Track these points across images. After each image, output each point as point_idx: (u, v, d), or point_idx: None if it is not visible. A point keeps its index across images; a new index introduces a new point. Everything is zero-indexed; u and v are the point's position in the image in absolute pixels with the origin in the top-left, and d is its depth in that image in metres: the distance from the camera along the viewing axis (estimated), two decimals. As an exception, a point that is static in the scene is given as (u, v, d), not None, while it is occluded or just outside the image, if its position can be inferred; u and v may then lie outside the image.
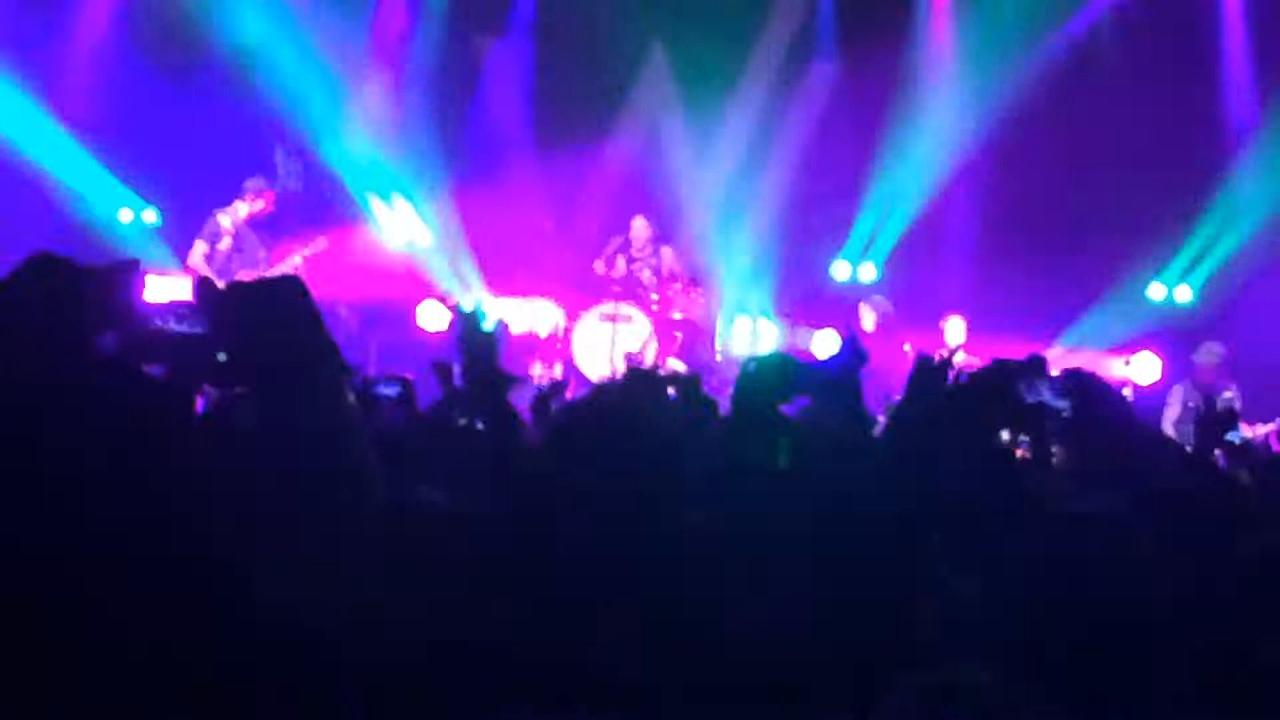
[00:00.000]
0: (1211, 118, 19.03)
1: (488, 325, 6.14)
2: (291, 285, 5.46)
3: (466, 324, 6.07)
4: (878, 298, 17.75)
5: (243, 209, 16.52)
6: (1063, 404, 6.32)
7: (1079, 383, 6.42)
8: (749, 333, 18.96)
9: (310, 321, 5.35)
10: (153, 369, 5.34)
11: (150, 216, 18.81)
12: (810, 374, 6.31)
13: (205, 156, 17.93)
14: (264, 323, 5.31)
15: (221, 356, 5.38)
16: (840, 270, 19.75)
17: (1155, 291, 19.02)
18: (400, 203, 19.02)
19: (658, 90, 19.89)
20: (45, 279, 5.25)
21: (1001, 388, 5.81)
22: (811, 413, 6.23)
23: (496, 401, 5.94)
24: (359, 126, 19.07)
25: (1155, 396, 16.65)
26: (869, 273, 19.69)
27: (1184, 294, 18.99)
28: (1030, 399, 6.21)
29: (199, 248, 16.39)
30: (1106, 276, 18.61)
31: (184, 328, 5.62)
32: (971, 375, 5.82)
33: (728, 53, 19.45)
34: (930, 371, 6.41)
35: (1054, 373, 6.44)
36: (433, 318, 18.30)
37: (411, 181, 19.09)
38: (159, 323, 5.67)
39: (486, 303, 18.13)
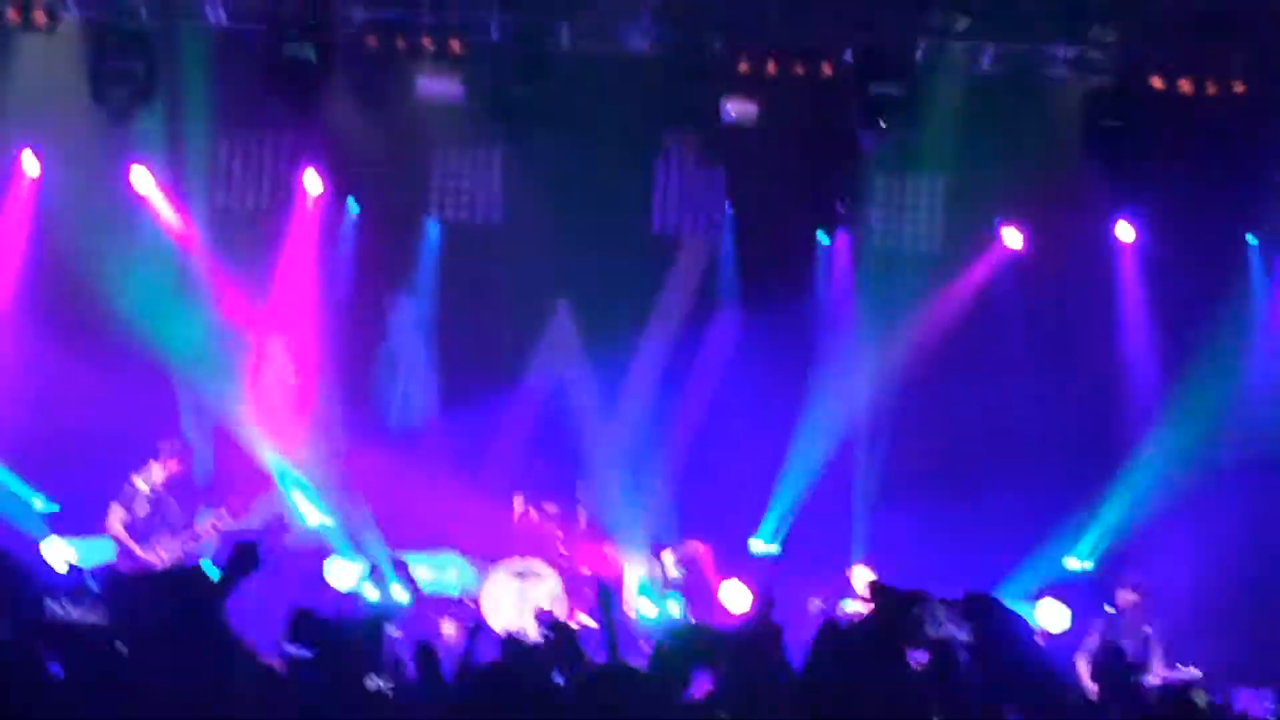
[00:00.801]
0: (1113, 363, 19.39)
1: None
2: (198, 580, 5.46)
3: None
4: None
5: (158, 471, 16.47)
6: (964, 632, 6.35)
7: (980, 606, 6.46)
8: (658, 585, 18.85)
9: (218, 623, 5.34)
10: (49, 658, 5.30)
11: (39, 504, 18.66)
12: (723, 642, 6.37)
13: (109, 421, 17.92)
14: (169, 617, 5.30)
15: (121, 648, 5.36)
16: (750, 531, 19.76)
17: (1061, 552, 19.21)
18: (307, 468, 18.95)
19: (563, 343, 19.97)
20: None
21: (905, 621, 5.83)
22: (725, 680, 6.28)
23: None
24: (264, 388, 19.08)
25: (1065, 647, 16.72)
26: (776, 531, 19.72)
27: (1085, 560, 19.21)
28: (933, 631, 6.25)
29: (116, 512, 16.32)
30: (1010, 530, 18.72)
31: (80, 614, 5.59)
32: (874, 611, 5.83)
33: (632, 306, 19.60)
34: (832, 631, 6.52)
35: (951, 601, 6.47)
36: (340, 576, 18.21)
37: (318, 442, 19.04)
38: (55, 606, 5.64)
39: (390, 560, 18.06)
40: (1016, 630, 6.51)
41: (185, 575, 5.53)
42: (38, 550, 16.92)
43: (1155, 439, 19.12)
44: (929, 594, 6.65)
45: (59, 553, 16.93)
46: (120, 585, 5.48)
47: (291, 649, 8.13)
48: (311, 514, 18.87)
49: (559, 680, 7.54)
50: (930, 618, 6.14)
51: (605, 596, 7.84)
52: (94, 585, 5.84)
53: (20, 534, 17.09)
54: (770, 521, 19.68)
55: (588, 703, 5.62)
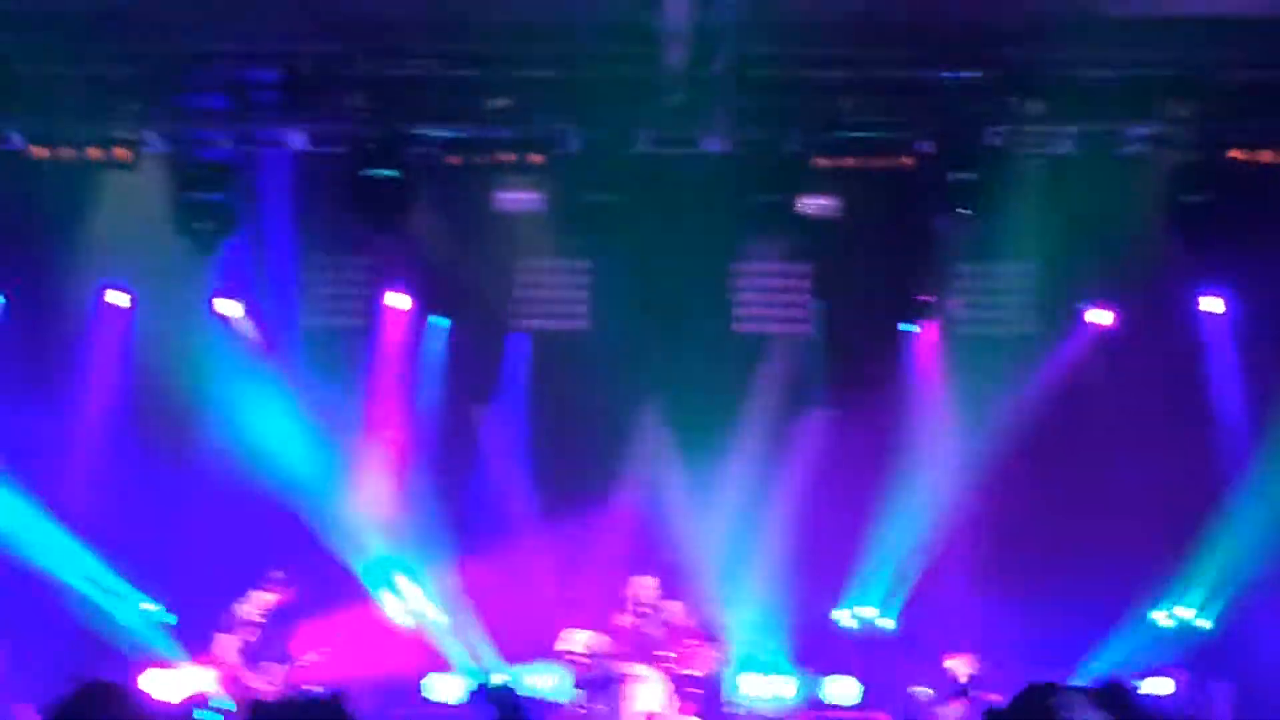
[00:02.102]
0: (1206, 438, 19.28)
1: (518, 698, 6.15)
2: (335, 707, 5.48)
3: (500, 702, 6.06)
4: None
5: (260, 599, 16.61)
6: (1101, 717, 6.30)
7: (1117, 693, 6.41)
8: (763, 685, 18.80)
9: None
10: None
11: (161, 612, 18.82)
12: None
13: (212, 544, 18.09)
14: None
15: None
16: (849, 615, 19.70)
17: (1165, 617, 19.03)
18: (405, 579, 19.07)
19: (653, 448, 20.02)
20: (100, 710, 5.26)
21: (1041, 710, 5.79)
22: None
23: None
24: (362, 502, 19.22)
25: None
26: (877, 615, 19.65)
27: (1193, 616, 19.02)
28: (1069, 717, 6.20)
29: (224, 640, 16.43)
30: (1115, 606, 18.62)
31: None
32: (1011, 703, 5.80)
33: (721, 405, 19.65)
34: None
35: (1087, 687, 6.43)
36: (441, 690, 18.24)
37: (415, 554, 19.17)
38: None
39: (507, 674, 18.11)
40: (1153, 715, 6.47)
41: (329, 703, 5.53)
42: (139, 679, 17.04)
43: (1253, 508, 18.97)
44: (1061, 684, 6.61)
45: (160, 684, 17.03)
46: (264, 714, 5.49)
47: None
48: (423, 605, 18.95)
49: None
50: (1065, 706, 6.10)
51: None
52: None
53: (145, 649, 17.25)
54: (873, 605, 19.64)
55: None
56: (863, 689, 18.58)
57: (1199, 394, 19.46)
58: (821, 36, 16.13)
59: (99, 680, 5.38)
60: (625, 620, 18.54)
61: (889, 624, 19.63)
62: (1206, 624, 19.03)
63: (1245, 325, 19.31)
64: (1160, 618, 19.09)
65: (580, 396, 19.69)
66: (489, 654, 18.79)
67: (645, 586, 18.67)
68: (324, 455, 19.10)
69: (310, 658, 16.48)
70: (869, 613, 19.74)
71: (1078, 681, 6.58)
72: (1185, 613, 19.12)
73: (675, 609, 18.65)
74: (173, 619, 18.75)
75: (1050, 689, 5.79)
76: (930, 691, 17.08)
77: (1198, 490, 19.11)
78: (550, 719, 17.86)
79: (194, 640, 16.99)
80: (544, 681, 18.52)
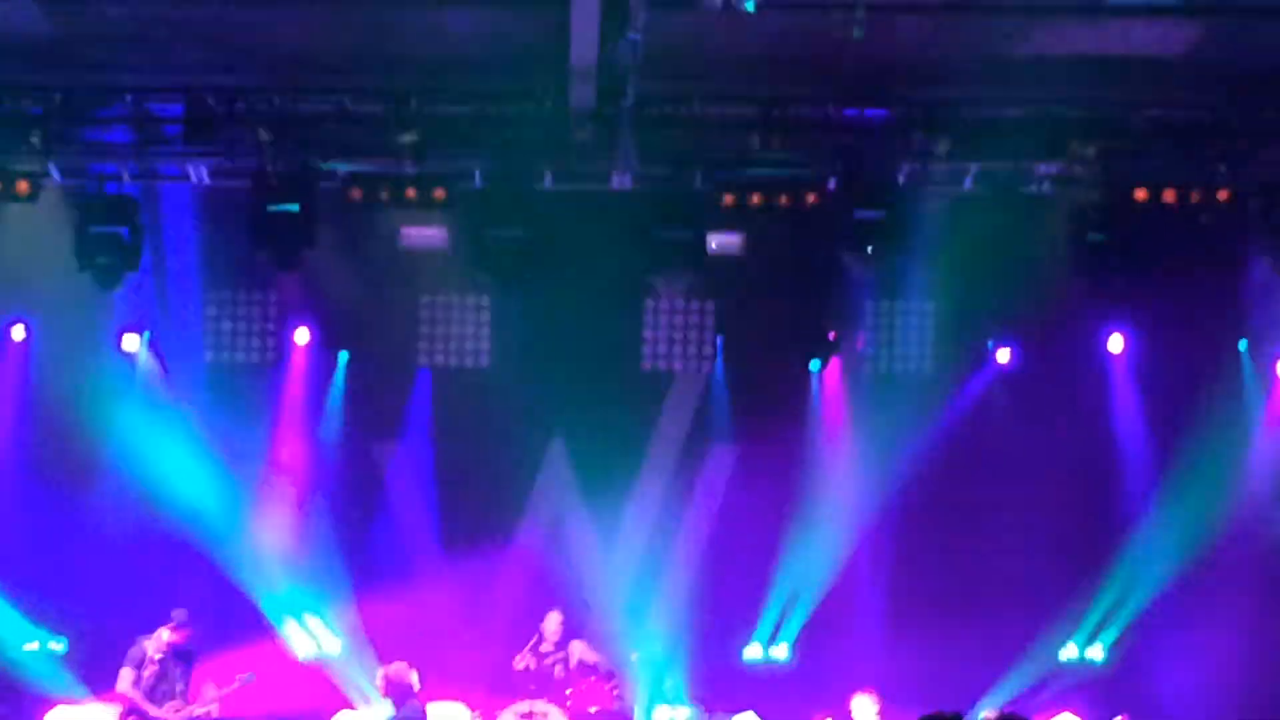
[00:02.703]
0: (1109, 474, 19.47)
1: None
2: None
3: None
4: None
5: (166, 636, 16.52)
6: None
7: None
8: (666, 720, 18.79)
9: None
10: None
11: (56, 646, 18.61)
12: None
13: (114, 580, 17.94)
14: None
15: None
16: (753, 652, 19.73)
17: (1067, 652, 19.17)
18: (307, 614, 18.96)
19: (557, 484, 19.98)
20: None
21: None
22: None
23: None
24: (263, 538, 19.09)
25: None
26: (781, 653, 19.69)
27: (1096, 653, 19.17)
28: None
29: (127, 675, 16.39)
30: (1018, 641, 18.73)
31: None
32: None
33: (626, 441, 19.64)
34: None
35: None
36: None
37: (318, 590, 19.05)
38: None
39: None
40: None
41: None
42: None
43: (1153, 539, 19.17)
44: (962, 715, 6.63)
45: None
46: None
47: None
48: (325, 639, 18.86)
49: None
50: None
51: None
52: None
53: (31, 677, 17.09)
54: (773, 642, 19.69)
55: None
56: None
57: (1101, 430, 19.65)
58: (729, 74, 16.19)
59: None
60: (528, 657, 18.50)
61: (790, 660, 19.65)
62: (1100, 658, 19.20)
63: (1147, 362, 19.49)
64: (1062, 654, 19.23)
65: (484, 433, 19.64)
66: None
67: (549, 624, 18.65)
68: (227, 490, 18.97)
69: (211, 694, 16.35)
70: (772, 650, 19.75)
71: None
72: (1086, 649, 19.27)
73: (576, 646, 18.62)
74: (63, 648, 18.53)
75: (954, 718, 5.81)
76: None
77: (1100, 525, 19.34)
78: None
79: (95, 676, 16.80)
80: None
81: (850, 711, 17.11)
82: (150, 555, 18.49)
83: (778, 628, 19.76)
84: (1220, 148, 16.63)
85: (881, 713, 16.73)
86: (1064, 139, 16.71)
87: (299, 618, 18.98)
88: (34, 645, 18.64)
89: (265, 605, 18.83)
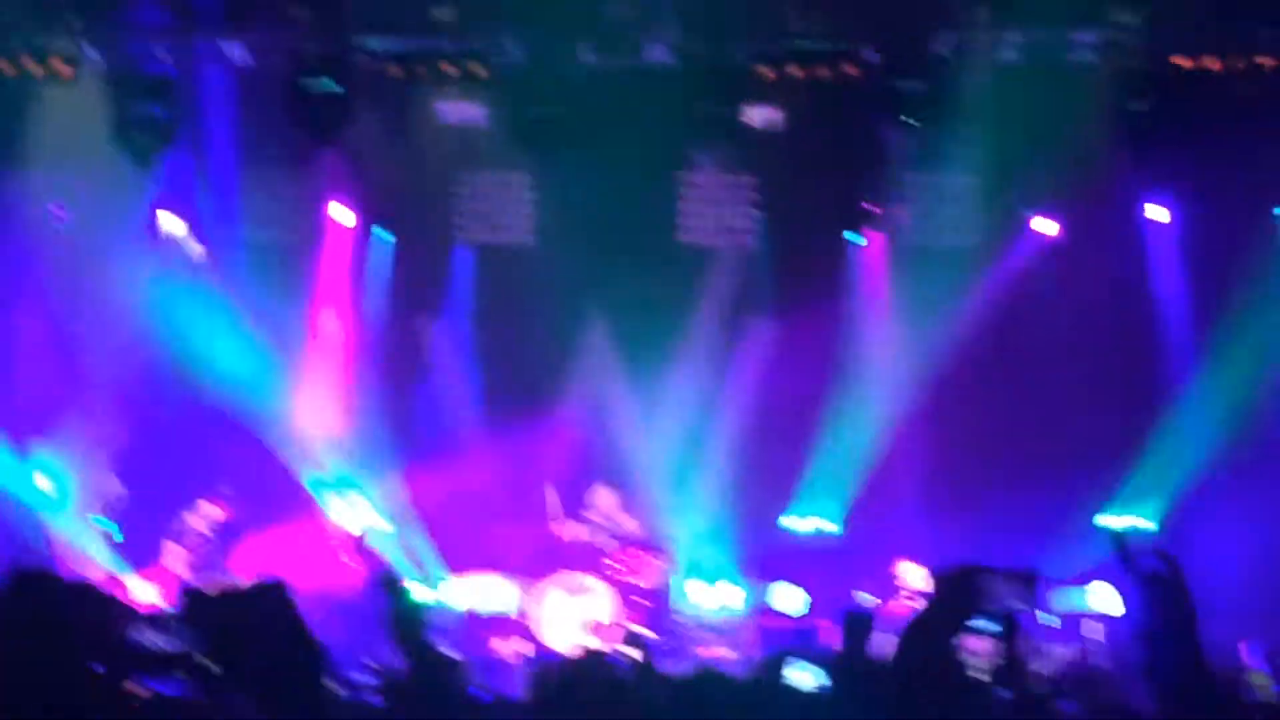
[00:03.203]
0: (1151, 346, 19.39)
1: (414, 598, 6.14)
2: (277, 594, 5.45)
3: (392, 598, 6.04)
4: None
5: (209, 511, 16.62)
6: (1024, 603, 6.38)
7: (1034, 578, 6.45)
8: (710, 594, 18.86)
9: (298, 630, 5.33)
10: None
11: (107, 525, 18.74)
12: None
13: (158, 458, 18.06)
14: (253, 633, 5.29)
15: (214, 668, 5.36)
16: (795, 523, 19.79)
17: (1110, 521, 19.13)
18: (352, 490, 19.05)
19: (599, 360, 20.00)
20: (32, 598, 5.23)
21: (963, 592, 5.84)
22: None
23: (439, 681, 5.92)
24: (304, 415, 19.18)
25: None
26: (824, 524, 19.74)
27: (1142, 523, 19.15)
28: (993, 604, 6.29)
29: (172, 549, 16.45)
30: (1061, 510, 18.70)
31: (166, 643, 5.61)
32: (936, 584, 5.84)
33: (666, 317, 19.64)
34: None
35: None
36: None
37: (361, 466, 19.14)
38: (140, 638, 5.66)
39: (445, 582, 18.13)
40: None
41: (270, 589, 5.48)
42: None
43: (1196, 414, 19.11)
44: (985, 568, 6.67)
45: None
46: (207, 606, 5.44)
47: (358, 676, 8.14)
48: (370, 516, 19.00)
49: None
50: (987, 588, 6.16)
51: None
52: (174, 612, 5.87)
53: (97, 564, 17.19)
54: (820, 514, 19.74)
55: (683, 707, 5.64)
56: (809, 597, 18.67)
57: (1144, 302, 19.53)
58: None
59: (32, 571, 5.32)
60: (574, 530, 18.60)
61: (835, 532, 19.71)
62: (1151, 527, 19.16)
63: (1189, 232, 19.35)
64: (1107, 523, 19.19)
65: (524, 309, 19.65)
66: (434, 565, 18.76)
67: (603, 497, 18.74)
68: (268, 368, 19.02)
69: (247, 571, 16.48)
70: (816, 522, 19.80)
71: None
72: (1131, 519, 19.23)
73: (622, 520, 18.71)
74: (118, 534, 18.65)
75: (974, 572, 5.83)
76: (874, 599, 17.16)
77: (1143, 397, 19.25)
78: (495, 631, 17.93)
79: (140, 553, 16.93)
80: (487, 594, 18.54)
81: (897, 576, 17.18)
82: (192, 433, 18.59)
83: (820, 500, 19.79)
84: (1263, 14, 16.46)
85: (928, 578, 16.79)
86: (1104, 6, 16.59)
87: (342, 494, 19.07)
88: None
89: (308, 481, 18.92)
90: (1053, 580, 17.11)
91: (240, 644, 5.23)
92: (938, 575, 5.73)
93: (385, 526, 19.06)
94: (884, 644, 7.11)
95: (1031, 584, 6.36)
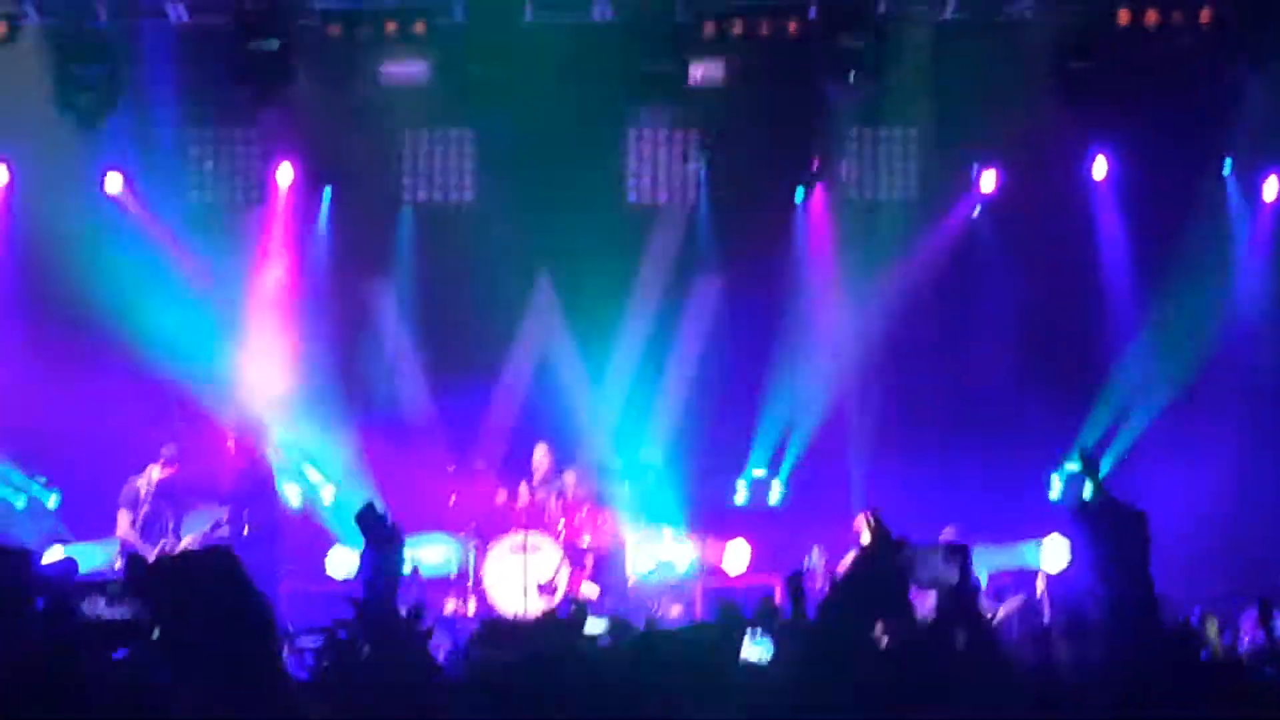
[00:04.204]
0: (1094, 300, 19.50)
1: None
2: (223, 559, 5.45)
3: (371, 521, 6.05)
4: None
5: (156, 474, 16.56)
6: (955, 574, 6.42)
7: (965, 551, 6.50)
8: (659, 552, 18.90)
9: (245, 593, 5.34)
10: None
11: (49, 492, 18.68)
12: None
13: (103, 423, 17.97)
14: (199, 597, 5.29)
15: (155, 635, 5.36)
16: (743, 481, 19.86)
17: (1054, 481, 19.30)
18: (297, 454, 19.03)
19: (546, 318, 19.99)
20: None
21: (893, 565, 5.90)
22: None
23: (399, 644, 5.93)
24: (252, 377, 19.11)
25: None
26: (771, 483, 19.81)
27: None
28: (925, 575, 6.33)
29: (124, 516, 16.42)
30: (1005, 468, 18.80)
31: (116, 612, 5.63)
32: (864, 557, 5.88)
33: (612, 275, 19.62)
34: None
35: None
36: (340, 566, 18.24)
37: (308, 428, 19.11)
38: (88, 609, 5.68)
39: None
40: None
41: (217, 553, 5.48)
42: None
43: (1139, 369, 19.22)
44: (911, 540, 6.72)
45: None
46: (153, 572, 5.45)
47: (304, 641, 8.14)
48: (325, 489, 18.98)
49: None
50: (918, 560, 6.21)
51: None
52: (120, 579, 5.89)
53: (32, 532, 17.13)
54: (764, 477, 19.79)
55: (631, 668, 5.66)
56: (752, 553, 18.79)
57: (1086, 255, 19.59)
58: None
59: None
60: (521, 490, 18.62)
61: (782, 490, 19.79)
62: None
63: (1131, 187, 19.41)
64: (1050, 482, 19.33)
65: (470, 267, 19.54)
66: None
67: (539, 457, 18.74)
68: (213, 331, 18.94)
69: (199, 534, 16.42)
70: (762, 479, 19.85)
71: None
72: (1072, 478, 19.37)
73: (569, 478, 18.73)
74: (57, 500, 18.60)
75: (902, 544, 5.88)
76: (821, 558, 17.23)
77: (1086, 351, 19.35)
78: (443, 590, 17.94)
79: (88, 520, 16.88)
80: (432, 554, 18.55)
81: (857, 531, 17.24)
82: (138, 398, 18.48)
83: (767, 458, 19.85)
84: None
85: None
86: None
87: (290, 460, 19.06)
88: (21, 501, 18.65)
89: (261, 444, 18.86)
90: (1000, 536, 17.24)
91: (187, 609, 5.23)
92: (866, 551, 5.76)
93: (331, 492, 19.05)
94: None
95: (963, 556, 6.41)
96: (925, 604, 10.37)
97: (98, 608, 5.69)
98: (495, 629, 9.38)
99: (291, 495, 19.05)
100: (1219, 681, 6.98)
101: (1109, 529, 6.49)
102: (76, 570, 7.31)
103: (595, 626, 11.15)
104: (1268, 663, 9.56)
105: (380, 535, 6.11)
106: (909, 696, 5.66)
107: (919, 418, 19.20)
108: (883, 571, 5.67)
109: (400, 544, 6.25)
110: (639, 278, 19.90)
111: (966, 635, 6.52)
